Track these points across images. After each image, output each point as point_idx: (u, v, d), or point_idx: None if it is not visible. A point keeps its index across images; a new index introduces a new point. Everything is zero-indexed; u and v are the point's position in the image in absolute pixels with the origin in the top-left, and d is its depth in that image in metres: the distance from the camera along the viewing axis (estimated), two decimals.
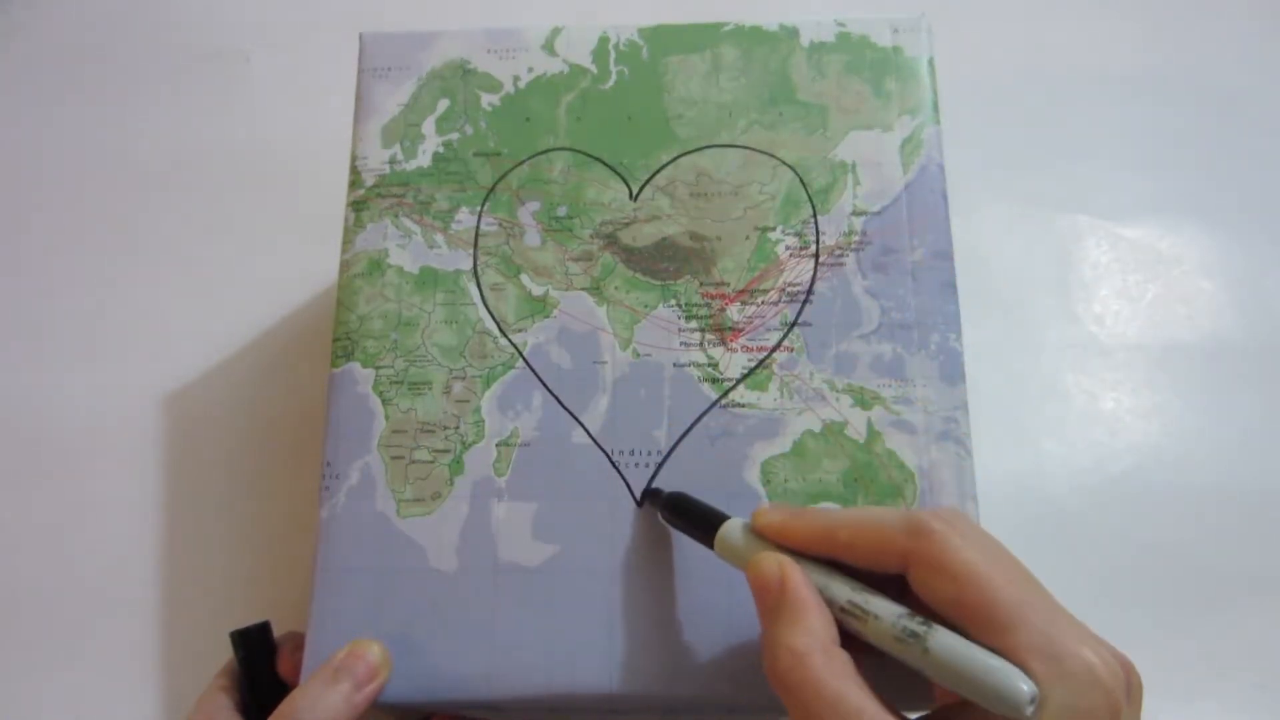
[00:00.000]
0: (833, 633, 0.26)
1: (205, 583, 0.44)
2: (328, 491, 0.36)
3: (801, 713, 0.25)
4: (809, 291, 0.37)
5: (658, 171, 0.39)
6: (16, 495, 0.46)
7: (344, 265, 0.39)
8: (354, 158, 0.40)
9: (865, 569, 0.27)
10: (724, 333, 0.37)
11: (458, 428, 0.36)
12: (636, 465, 0.35)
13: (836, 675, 0.24)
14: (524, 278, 0.38)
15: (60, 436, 0.47)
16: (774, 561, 0.27)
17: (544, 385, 0.37)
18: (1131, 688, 0.24)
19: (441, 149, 0.40)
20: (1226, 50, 0.54)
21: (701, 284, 0.37)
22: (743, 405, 0.36)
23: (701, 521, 0.31)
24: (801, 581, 0.27)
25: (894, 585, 0.27)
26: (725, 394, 0.36)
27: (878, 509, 0.27)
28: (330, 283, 0.44)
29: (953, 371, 0.36)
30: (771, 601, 0.27)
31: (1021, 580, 0.25)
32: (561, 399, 0.36)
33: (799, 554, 0.28)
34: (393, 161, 0.40)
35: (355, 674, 0.32)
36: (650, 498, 0.35)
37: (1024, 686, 0.22)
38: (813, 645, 0.25)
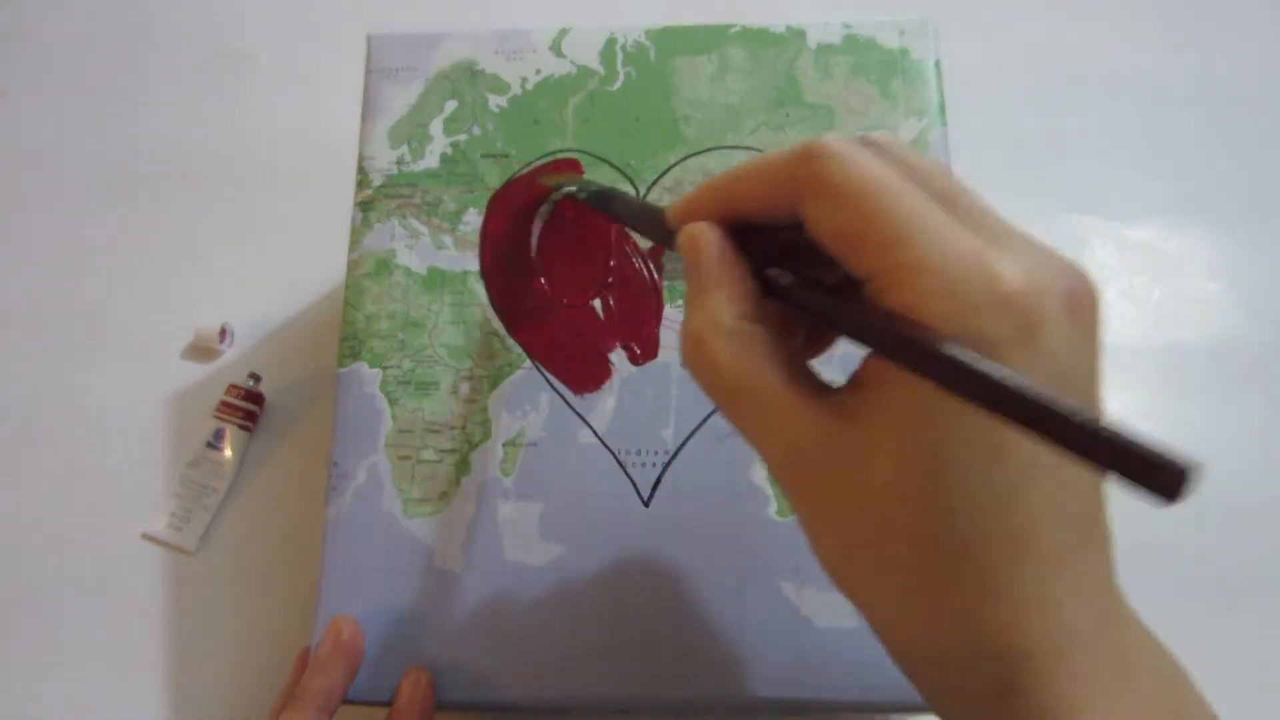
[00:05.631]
0: (743, 307, 0.22)
1: (210, 583, 0.44)
2: (335, 491, 0.36)
3: (711, 398, 0.23)
4: None
5: (665, 173, 0.39)
6: (17, 495, 0.46)
7: (351, 265, 0.39)
8: (361, 158, 0.40)
9: (780, 224, 0.23)
10: None
11: (464, 428, 0.36)
12: (643, 465, 0.35)
13: (736, 356, 0.22)
14: None
15: (63, 436, 0.47)
16: (685, 234, 0.24)
17: (551, 385, 0.37)
18: (1075, 301, 0.20)
19: (449, 150, 0.40)
20: (1234, 52, 0.54)
21: None
22: None
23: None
24: (708, 251, 0.23)
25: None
26: None
27: (782, 150, 0.22)
28: (337, 283, 0.44)
29: None
30: (688, 280, 0.24)
31: (936, 196, 0.20)
32: (568, 399, 0.37)
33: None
34: (400, 162, 0.40)
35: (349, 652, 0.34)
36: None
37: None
38: (711, 325, 0.22)
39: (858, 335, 0.20)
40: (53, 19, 0.59)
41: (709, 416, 0.36)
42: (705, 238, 0.23)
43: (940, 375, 0.18)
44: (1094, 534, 0.21)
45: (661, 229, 0.25)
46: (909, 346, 0.18)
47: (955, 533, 0.19)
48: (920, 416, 0.19)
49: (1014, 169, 0.51)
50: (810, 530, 0.22)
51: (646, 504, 0.35)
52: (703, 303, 0.23)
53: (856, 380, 0.21)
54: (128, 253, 0.52)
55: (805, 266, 0.22)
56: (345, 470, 0.36)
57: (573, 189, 0.37)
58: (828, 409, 0.21)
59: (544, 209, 0.39)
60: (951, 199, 0.20)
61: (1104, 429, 0.16)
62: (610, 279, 0.38)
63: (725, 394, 0.22)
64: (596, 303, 0.38)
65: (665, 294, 0.38)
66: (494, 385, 0.37)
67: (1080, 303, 0.20)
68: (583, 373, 0.37)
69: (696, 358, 0.23)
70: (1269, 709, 0.40)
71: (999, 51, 0.54)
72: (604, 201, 0.34)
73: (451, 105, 0.41)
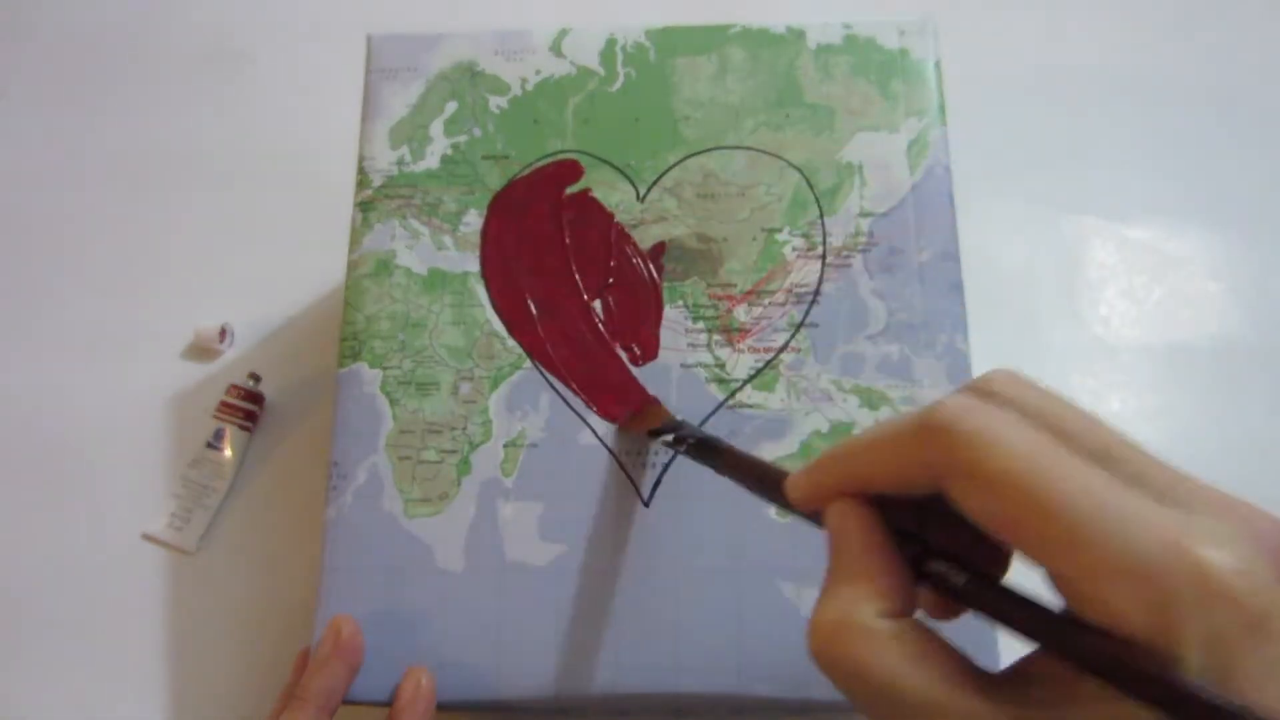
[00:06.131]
0: (890, 603, 0.20)
1: (210, 583, 0.44)
2: (335, 491, 0.36)
3: (850, 698, 0.20)
4: (816, 292, 0.37)
5: (665, 173, 0.39)
6: (18, 495, 0.46)
7: (351, 265, 0.39)
8: (361, 158, 0.40)
9: (920, 500, 0.20)
10: (731, 334, 0.37)
11: (465, 428, 0.36)
12: (643, 465, 0.35)
13: (883, 659, 0.19)
14: None
15: (63, 436, 0.47)
16: (831, 514, 0.21)
17: (551, 386, 0.37)
18: None
19: (450, 151, 0.40)
20: (1233, 52, 0.54)
21: (709, 285, 0.38)
22: (750, 406, 0.36)
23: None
24: (855, 538, 0.21)
25: None
26: (732, 394, 0.36)
27: (897, 419, 0.20)
28: (337, 283, 0.44)
29: (959, 372, 0.36)
30: (831, 560, 0.21)
31: (1085, 451, 0.18)
32: (568, 400, 0.37)
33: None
34: (400, 163, 0.40)
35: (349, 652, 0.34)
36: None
37: None
38: (849, 621, 0.20)
39: (1068, 660, 0.18)
40: (53, 19, 0.59)
41: (709, 417, 0.36)
42: (851, 521, 0.21)
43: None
44: None
45: (776, 493, 0.24)
46: (1143, 685, 0.16)
47: None
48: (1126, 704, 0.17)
49: (1014, 169, 0.51)
50: None
51: (646, 504, 0.35)
52: (842, 591, 0.20)
53: (1025, 671, 0.19)
54: (128, 252, 0.52)
55: (960, 532, 0.20)
56: (345, 470, 0.36)
57: (669, 438, 0.34)
58: (1004, 707, 0.19)
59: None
60: (1102, 450, 0.19)
61: None
62: (610, 279, 0.38)
63: (873, 701, 0.20)
64: (597, 303, 0.38)
65: (665, 294, 0.38)
66: (494, 386, 0.37)
67: None
68: (588, 375, 0.37)
69: (831, 655, 0.20)
70: None
71: (999, 51, 0.54)
72: (707, 455, 0.31)
73: (452, 106, 0.41)
